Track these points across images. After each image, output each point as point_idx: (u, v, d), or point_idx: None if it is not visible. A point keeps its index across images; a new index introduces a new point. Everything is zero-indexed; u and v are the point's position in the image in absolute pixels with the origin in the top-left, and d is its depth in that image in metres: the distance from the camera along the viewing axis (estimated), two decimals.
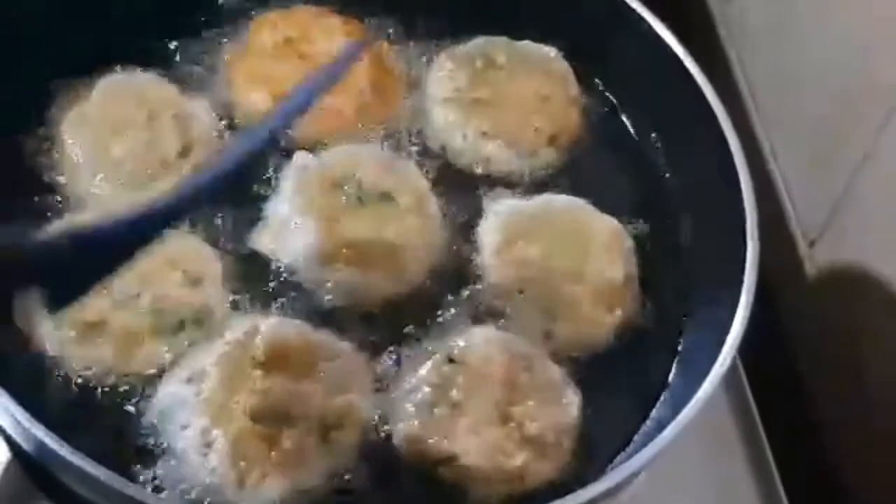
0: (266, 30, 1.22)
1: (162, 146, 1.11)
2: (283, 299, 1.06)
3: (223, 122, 1.16)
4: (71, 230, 0.97)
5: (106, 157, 1.10)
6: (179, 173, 1.10)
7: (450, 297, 1.09)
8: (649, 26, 1.19)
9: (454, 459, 0.99)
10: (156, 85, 1.16)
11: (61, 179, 1.10)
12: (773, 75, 1.33)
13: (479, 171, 1.18)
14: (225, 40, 1.23)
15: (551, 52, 1.24)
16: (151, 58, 1.19)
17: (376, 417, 1.01)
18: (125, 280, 1.01)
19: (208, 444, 0.95)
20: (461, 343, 1.04)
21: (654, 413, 1.06)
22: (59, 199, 1.09)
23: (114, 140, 1.11)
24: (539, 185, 1.18)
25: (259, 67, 1.19)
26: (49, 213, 1.07)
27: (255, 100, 1.17)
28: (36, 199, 1.09)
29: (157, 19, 1.20)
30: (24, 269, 0.82)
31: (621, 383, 1.08)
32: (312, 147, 1.14)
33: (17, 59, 1.10)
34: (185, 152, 1.12)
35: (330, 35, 1.22)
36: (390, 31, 1.26)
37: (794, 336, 1.30)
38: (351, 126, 1.17)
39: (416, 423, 1.00)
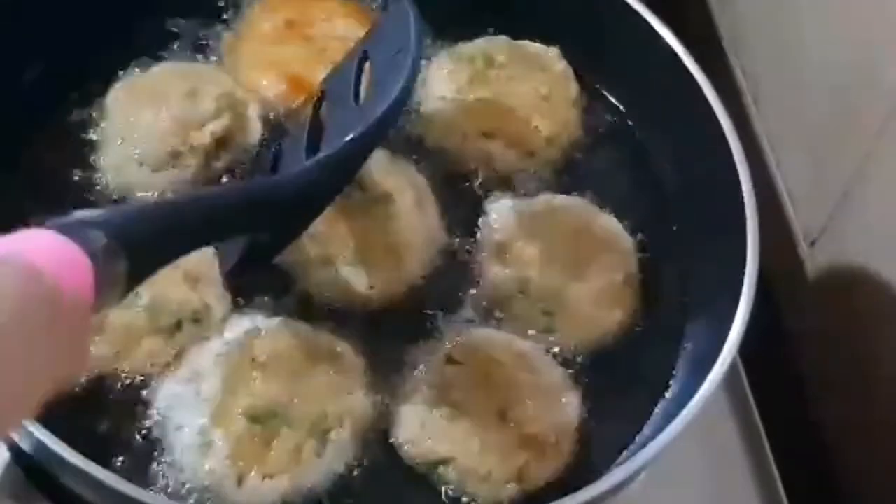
0: (265, 14, 1.23)
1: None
2: (283, 299, 1.06)
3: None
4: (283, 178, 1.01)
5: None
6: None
7: (450, 298, 1.09)
8: (649, 26, 1.19)
9: (454, 460, 0.99)
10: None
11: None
12: (773, 75, 1.33)
13: (479, 171, 1.18)
14: (223, 29, 1.23)
15: (551, 52, 1.24)
16: (149, 49, 1.19)
17: (376, 418, 1.01)
18: None
19: (208, 444, 0.95)
20: (461, 343, 1.04)
21: (653, 413, 1.06)
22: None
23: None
24: (539, 185, 1.17)
25: (264, 52, 1.20)
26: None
27: (265, 84, 1.17)
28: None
29: (154, 14, 1.20)
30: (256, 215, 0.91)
31: (621, 383, 1.08)
32: None
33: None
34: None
35: (330, 16, 1.23)
36: None
37: (794, 336, 1.29)
38: None
39: (416, 423, 1.00)
